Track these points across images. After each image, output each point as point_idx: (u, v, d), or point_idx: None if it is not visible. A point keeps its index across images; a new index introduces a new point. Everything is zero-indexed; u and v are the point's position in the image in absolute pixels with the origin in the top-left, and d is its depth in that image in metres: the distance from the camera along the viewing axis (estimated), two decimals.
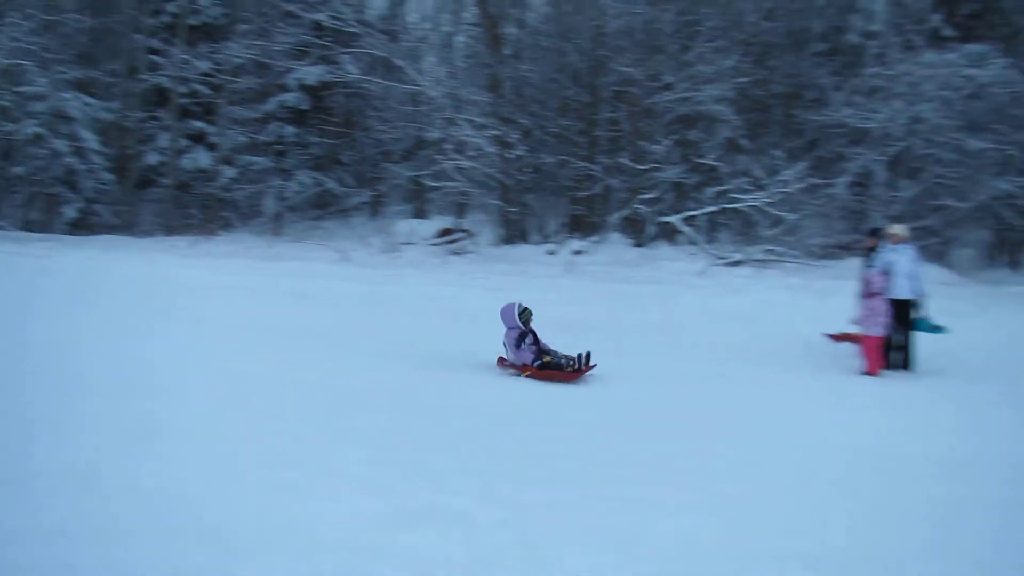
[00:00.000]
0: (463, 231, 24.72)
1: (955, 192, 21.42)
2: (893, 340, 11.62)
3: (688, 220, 22.97)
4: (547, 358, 9.94)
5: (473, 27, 28.92)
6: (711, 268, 20.56)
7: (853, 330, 11.80)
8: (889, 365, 11.54)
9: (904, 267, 11.59)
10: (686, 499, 5.88)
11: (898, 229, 12.06)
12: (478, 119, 24.48)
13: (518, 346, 10.02)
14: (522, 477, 6.18)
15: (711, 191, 22.74)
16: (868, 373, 11.21)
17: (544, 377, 9.75)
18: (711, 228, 24.49)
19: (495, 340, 10.87)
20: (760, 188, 21.93)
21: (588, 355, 9.90)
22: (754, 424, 8.25)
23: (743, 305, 15.73)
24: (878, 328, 11.30)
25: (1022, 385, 10.68)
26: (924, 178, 21.82)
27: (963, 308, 14.77)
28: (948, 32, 22.51)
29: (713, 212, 22.99)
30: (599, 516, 5.50)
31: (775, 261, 21.16)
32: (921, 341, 11.71)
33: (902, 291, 11.54)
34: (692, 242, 22.71)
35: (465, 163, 23.80)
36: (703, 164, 23.20)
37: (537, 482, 6.09)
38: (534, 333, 10.18)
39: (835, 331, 12.57)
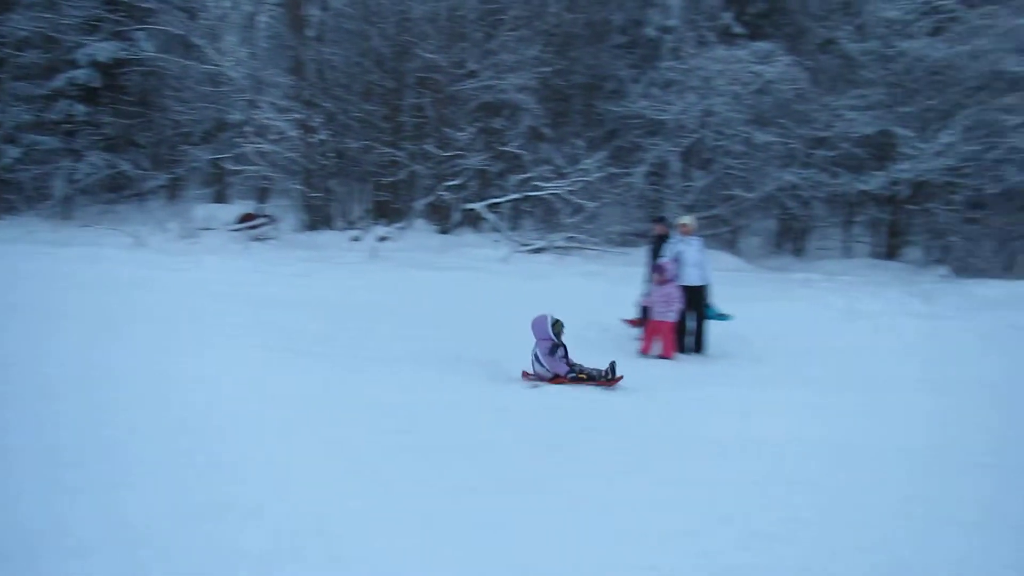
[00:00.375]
0: (265, 216, 24.18)
1: (744, 183, 22.52)
2: (685, 325, 12.14)
3: (492, 207, 23.25)
4: (581, 374, 9.76)
5: (275, 7, 28.26)
6: (514, 255, 20.90)
7: (648, 315, 12.21)
8: (683, 349, 12.05)
9: (693, 256, 12.15)
10: (491, 482, 5.96)
11: (687, 220, 12.62)
12: (280, 102, 24.03)
13: (552, 354, 9.79)
14: (319, 467, 6.12)
15: (514, 179, 23.08)
16: (664, 357, 11.65)
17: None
18: (515, 215, 24.88)
19: (296, 328, 10.68)
20: (562, 176, 22.42)
21: (613, 365, 9.79)
22: (560, 408, 8.42)
23: (545, 291, 16.02)
24: (672, 314, 11.76)
25: (804, 364, 11.34)
26: (715, 169, 22.84)
27: (751, 293, 15.55)
28: (738, 29, 23.51)
29: (516, 200, 23.36)
30: (399, 503, 5.52)
31: (576, 248, 21.72)
32: (712, 326, 12.28)
33: (692, 278, 12.07)
34: (496, 229, 23.00)
35: (267, 147, 23.31)
36: (507, 152, 23.51)
37: (334, 472, 6.05)
38: (564, 346, 9.93)
39: (632, 316, 12.98)
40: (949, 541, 5.36)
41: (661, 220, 13.44)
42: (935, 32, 21.52)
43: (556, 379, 9.68)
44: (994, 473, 6.87)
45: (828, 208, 24.37)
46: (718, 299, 12.39)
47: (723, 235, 23.41)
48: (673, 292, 11.75)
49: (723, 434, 7.68)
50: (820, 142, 22.05)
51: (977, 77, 21.05)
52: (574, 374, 9.71)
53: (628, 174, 22.96)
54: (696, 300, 12.15)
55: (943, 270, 20.76)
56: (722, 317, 12.26)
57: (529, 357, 9.90)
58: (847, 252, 24.21)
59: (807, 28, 23.66)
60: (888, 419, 8.59)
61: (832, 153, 21.97)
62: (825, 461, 7.00)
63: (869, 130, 21.47)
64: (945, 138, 20.42)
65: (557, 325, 9.94)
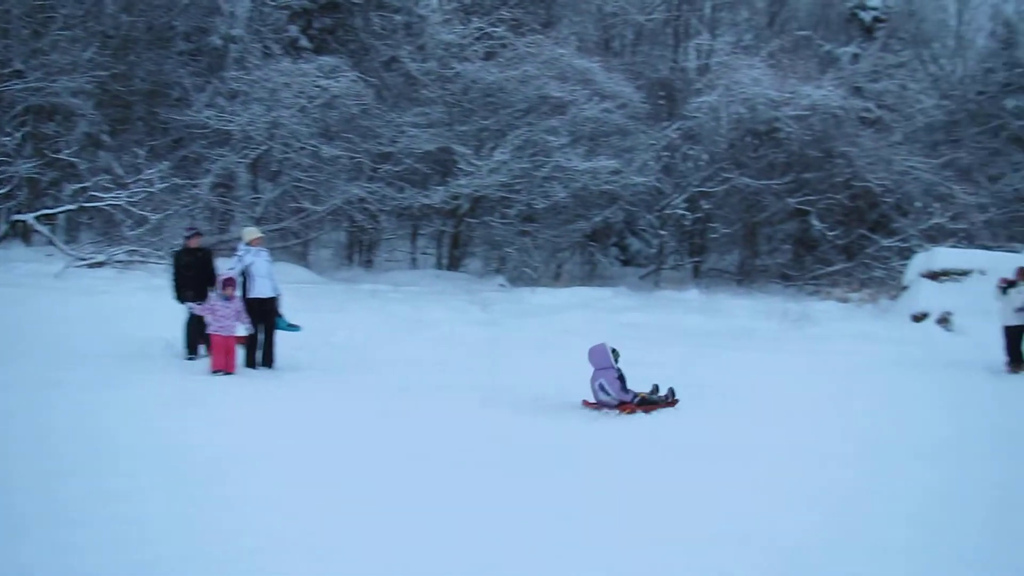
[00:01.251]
0: None
1: (312, 196, 22.67)
2: (255, 338, 11.94)
3: (44, 219, 21.63)
4: (643, 394, 10.06)
5: None
6: (70, 270, 19.50)
7: (213, 330, 11.86)
8: (253, 363, 11.86)
9: (262, 268, 11.96)
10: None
11: (253, 231, 12.43)
12: None
13: (623, 384, 10.00)
14: None
15: (70, 188, 21.66)
16: (226, 371, 11.38)
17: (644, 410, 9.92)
18: (71, 227, 23.37)
19: None
20: (122, 187, 21.25)
21: (660, 388, 10.25)
22: (105, 429, 8.02)
23: (104, 307, 15.18)
24: (239, 327, 11.55)
25: (370, 373, 11.60)
26: (284, 181, 22.82)
27: (321, 305, 15.70)
28: (304, 43, 23.67)
29: (72, 211, 21.94)
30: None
31: (139, 262, 20.65)
32: (282, 338, 12.18)
33: (262, 290, 11.90)
34: (49, 242, 21.40)
35: None
36: (60, 160, 21.95)
37: None
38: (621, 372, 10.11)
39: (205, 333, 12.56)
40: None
41: (196, 233, 13.00)
42: (488, 57, 22.96)
43: (622, 406, 9.97)
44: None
45: (395, 221, 25.16)
46: (288, 311, 12.34)
47: (293, 247, 23.43)
48: (239, 305, 11.55)
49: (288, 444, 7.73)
50: (386, 157, 22.73)
51: (525, 100, 22.73)
52: (640, 399, 10.07)
53: (194, 185, 22.31)
54: (266, 312, 12.00)
55: (501, 279, 22.23)
56: (292, 328, 12.23)
57: (592, 387, 10.11)
58: (414, 264, 25.18)
59: (371, 46, 24.29)
60: (446, 422, 9.04)
61: (397, 168, 22.73)
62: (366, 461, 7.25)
63: (431, 146, 22.48)
64: (499, 156, 21.83)
65: (615, 353, 10.25)
